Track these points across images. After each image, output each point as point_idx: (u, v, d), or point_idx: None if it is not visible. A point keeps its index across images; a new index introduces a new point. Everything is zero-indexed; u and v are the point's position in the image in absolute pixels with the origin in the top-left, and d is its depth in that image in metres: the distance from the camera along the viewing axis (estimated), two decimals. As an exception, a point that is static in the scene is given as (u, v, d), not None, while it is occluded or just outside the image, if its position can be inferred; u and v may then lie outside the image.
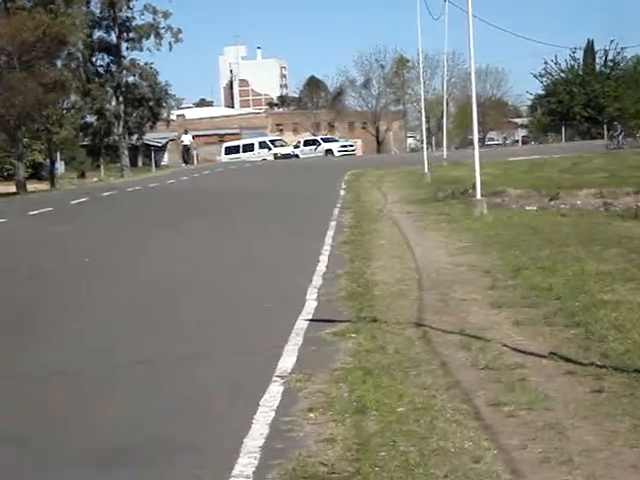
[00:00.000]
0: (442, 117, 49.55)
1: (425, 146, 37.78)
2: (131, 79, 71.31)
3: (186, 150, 69.30)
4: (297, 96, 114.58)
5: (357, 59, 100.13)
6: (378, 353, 8.07)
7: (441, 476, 5.22)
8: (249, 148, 75.83)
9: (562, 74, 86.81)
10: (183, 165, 66.57)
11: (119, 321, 10.64)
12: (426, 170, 34.84)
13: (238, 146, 77.50)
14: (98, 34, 69.67)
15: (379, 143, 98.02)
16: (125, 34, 70.03)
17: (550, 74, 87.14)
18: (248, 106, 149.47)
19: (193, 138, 72.29)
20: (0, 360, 8.87)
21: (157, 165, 74.68)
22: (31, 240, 19.93)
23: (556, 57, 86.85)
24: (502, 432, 5.95)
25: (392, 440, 5.76)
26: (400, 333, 8.84)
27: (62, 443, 6.29)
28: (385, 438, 5.81)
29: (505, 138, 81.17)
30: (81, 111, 65.73)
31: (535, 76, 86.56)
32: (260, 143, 76.68)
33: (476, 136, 23.21)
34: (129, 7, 69.78)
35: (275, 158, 71.88)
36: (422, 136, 39.96)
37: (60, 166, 67.69)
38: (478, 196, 21.06)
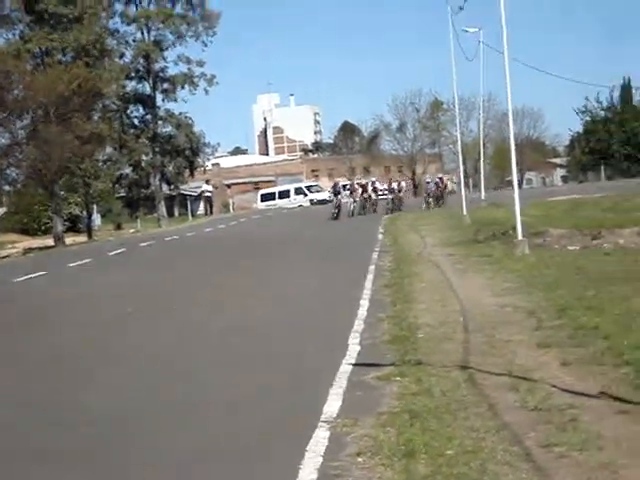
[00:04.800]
0: (479, 159, 49.51)
1: (463, 188, 37.72)
2: (167, 129, 71.08)
3: (207, 200, 69.86)
4: (332, 142, 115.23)
5: (391, 103, 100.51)
6: (424, 396, 7.95)
7: (496, 519, 5.09)
8: (285, 195, 76.19)
9: (602, 112, 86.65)
10: (206, 216, 67.01)
11: (155, 371, 10.59)
12: (465, 212, 34.70)
13: (274, 193, 77.87)
14: (133, 85, 69.68)
15: (415, 187, 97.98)
16: (160, 85, 70.08)
17: (590, 111, 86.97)
18: (283, 153, 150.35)
19: (228, 187, 72.12)
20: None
21: (193, 214, 75.23)
22: (72, 292, 20.03)
23: (598, 94, 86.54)
24: (555, 474, 5.82)
25: (443, 484, 5.65)
26: (446, 376, 8.71)
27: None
28: (436, 482, 5.69)
29: (543, 178, 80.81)
30: (117, 163, 65.97)
31: (576, 112, 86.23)
32: (296, 189, 77.05)
33: (515, 176, 23.06)
34: (163, 58, 69.94)
35: (312, 204, 72.06)
36: (459, 178, 39.83)
37: (97, 218, 68.25)
38: (519, 237, 20.89)
